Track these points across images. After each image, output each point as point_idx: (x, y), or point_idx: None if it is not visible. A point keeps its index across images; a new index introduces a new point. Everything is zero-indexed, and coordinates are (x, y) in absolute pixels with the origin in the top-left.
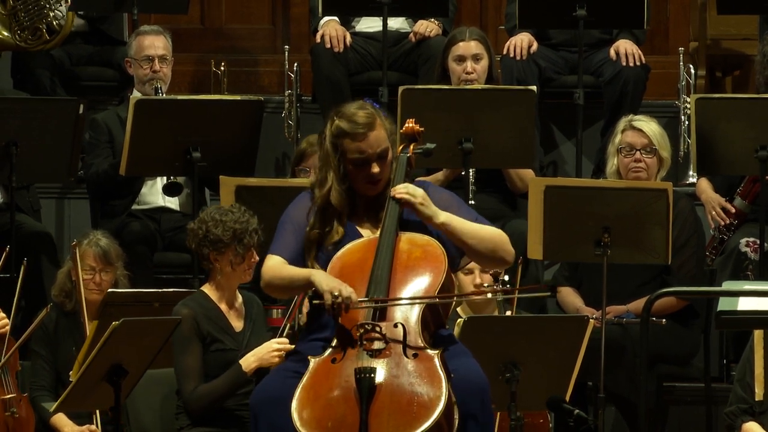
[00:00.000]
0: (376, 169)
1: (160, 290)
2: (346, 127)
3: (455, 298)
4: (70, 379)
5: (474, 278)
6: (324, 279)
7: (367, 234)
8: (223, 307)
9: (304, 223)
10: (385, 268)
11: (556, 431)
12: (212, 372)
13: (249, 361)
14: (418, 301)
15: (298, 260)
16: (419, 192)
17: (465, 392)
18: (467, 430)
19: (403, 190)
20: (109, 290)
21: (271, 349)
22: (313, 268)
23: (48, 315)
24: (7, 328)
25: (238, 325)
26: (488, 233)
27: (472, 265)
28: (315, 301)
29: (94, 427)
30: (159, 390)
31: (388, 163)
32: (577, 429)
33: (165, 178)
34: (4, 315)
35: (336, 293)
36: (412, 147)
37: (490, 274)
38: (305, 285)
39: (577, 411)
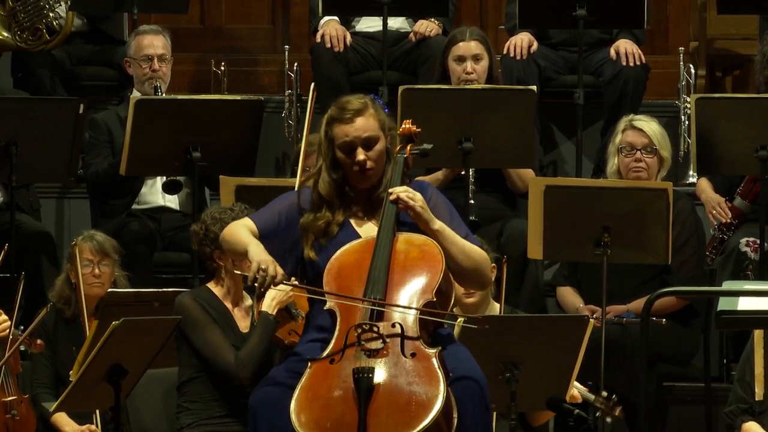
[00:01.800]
0: (361, 156)
1: (160, 290)
2: (335, 113)
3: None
4: (70, 379)
5: None
6: (257, 252)
7: (364, 233)
8: (227, 304)
9: (295, 210)
10: (383, 269)
11: (555, 431)
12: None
13: (271, 305)
14: (327, 297)
15: (270, 235)
16: (418, 196)
17: (463, 391)
18: (466, 429)
19: (403, 191)
20: (109, 290)
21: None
22: (308, 257)
23: (48, 314)
24: (8, 326)
25: (244, 325)
26: (476, 252)
27: None
28: (237, 271)
29: (94, 426)
30: (159, 390)
31: (379, 154)
32: (577, 429)
33: (165, 177)
34: (6, 317)
35: (264, 266)
36: (409, 148)
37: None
38: (242, 253)
39: (577, 411)
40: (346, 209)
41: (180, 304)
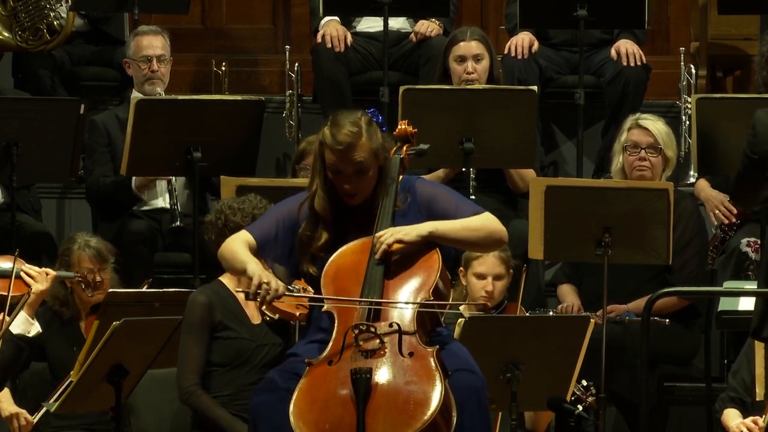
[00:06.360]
0: (347, 185)
1: (160, 290)
2: (328, 138)
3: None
4: (71, 379)
5: (486, 285)
6: (257, 269)
7: None
8: (240, 296)
9: (292, 218)
10: (379, 269)
11: (556, 431)
12: (218, 359)
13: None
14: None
15: (267, 246)
16: (390, 232)
17: (462, 391)
18: (464, 428)
19: (378, 241)
20: (110, 290)
21: None
22: (307, 270)
23: (42, 317)
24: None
25: (256, 315)
26: (477, 223)
27: (486, 269)
28: (238, 289)
29: (26, 413)
30: (160, 390)
31: (368, 180)
32: (578, 429)
33: (167, 191)
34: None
35: (266, 280)
36: (405, 148)
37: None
38: (240, 271)
39: (578, 411)
40: (343, 222)
41: (190, 301)
